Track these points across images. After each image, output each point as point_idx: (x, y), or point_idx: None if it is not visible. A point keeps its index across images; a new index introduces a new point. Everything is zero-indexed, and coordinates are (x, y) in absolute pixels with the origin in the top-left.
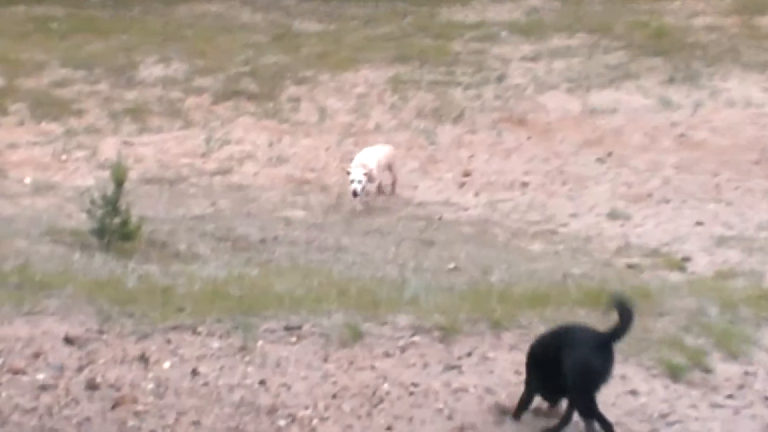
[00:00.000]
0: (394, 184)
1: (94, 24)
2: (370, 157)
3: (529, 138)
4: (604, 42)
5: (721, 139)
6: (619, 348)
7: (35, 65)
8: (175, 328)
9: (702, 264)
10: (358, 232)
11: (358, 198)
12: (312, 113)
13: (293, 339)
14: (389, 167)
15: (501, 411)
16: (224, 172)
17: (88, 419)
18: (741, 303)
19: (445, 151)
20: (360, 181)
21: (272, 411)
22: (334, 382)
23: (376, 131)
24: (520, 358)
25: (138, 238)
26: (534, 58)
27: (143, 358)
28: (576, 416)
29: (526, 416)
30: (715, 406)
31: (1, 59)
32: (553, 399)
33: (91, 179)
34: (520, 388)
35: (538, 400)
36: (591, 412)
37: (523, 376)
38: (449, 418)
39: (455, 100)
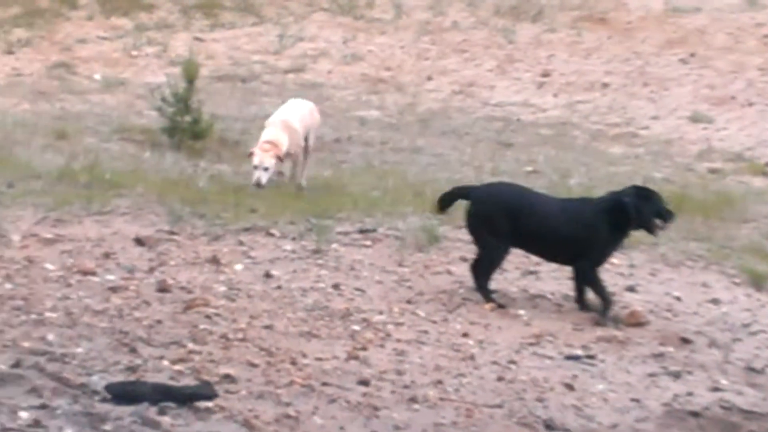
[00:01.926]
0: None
1: None
2: (292, 117)
3: (609, 37)
4: None
5: None
6: (702, 255)
7: None
8: (247, 229)
9: None
10: (433, 133)
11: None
12: (387, 10)
13: (368, 242)
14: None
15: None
16: (297, 69)
17: (159, 322)
18: None
19: (524, 50)
20: (266, 168)
21: (346, 315)
22: (410, 287)
23: (453, 29)
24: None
25: (209, 137)
26: None
27: (215, 260)
28: None
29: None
30: None
31: None
32: None
33: (161, 76)
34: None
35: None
36: None
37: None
38: (527, 324)
39: None
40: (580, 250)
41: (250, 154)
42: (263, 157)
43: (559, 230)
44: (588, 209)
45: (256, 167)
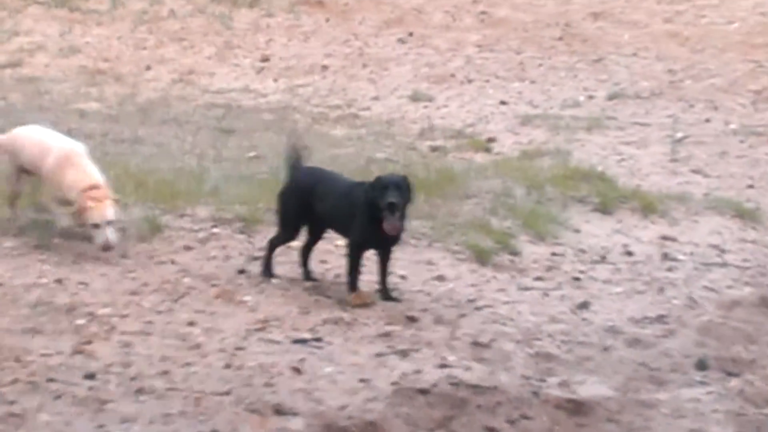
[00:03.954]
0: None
1: None
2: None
3: (327, 20)
4: None
5: (523, 16)
6: (425, 233)
7: None
8: None
9: (507, 144)
10: (154, 123)
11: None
12: (103, 1)
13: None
14: None
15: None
16: (14, 64)
17: None
18: (547, 183)
19: (242, 36)
20: (114, 221)
21: (70, 310)
22: (134, 278)
23: (170, 17)
24: (330, 247)
25: None
26: None
27: None
28: None
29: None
30: (523, 288)
31: None
32: None
33: None
34: (325, 280)
35: None
36: None
37: (327, 265)
38: (252, 310)
39: None
40: None
41: (81, 211)
42: (110, 210)
43: None
44: None
45: (97, 226)
